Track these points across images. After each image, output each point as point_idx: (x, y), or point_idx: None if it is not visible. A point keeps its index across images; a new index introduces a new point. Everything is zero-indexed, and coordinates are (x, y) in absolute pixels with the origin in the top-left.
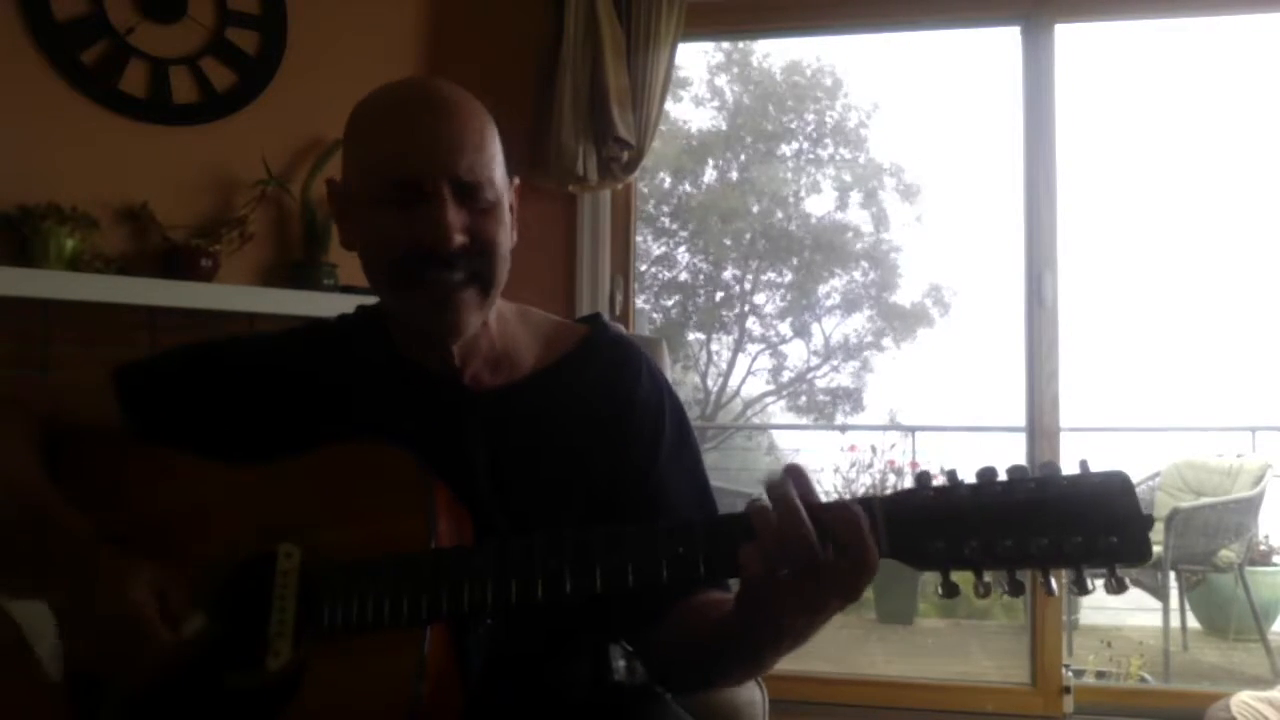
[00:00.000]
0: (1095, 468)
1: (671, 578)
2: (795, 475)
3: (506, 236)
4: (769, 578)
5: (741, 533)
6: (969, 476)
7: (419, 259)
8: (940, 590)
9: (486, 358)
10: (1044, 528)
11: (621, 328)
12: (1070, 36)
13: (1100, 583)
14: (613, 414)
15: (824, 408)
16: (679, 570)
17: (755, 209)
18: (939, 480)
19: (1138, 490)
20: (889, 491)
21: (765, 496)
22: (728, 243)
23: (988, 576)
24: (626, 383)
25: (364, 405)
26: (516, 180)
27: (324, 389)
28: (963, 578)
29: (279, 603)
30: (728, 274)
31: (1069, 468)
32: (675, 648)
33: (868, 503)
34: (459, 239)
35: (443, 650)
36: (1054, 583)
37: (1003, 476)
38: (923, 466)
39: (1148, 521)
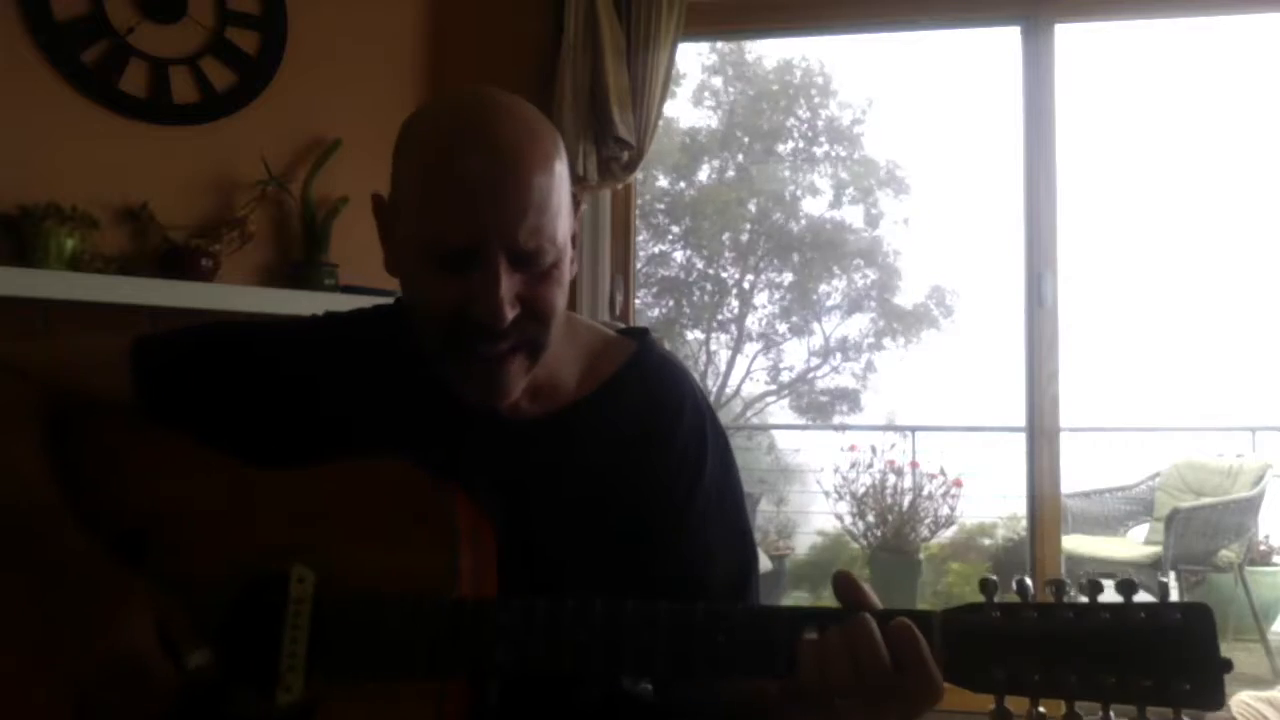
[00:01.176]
0: (1177, 598)
1: (706, 671)
2: (852, 587)
3: (564, 296)
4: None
5: (790, 637)
6: (1042, 589)
7: (466, 328)
8: (993, 716)
9: (529, 384)
10: (1113, 664)
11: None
12: (1070, 36)
13: None
14: (651, 449)
15: (824, 408)
16: (715, 665)
17: (752, 208)
18: (1005, 591)
19: (1138, 491)
20: (954, 606)
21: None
22: (725, 241)
23: (1043, 707)
24: (670, 413)
25: (390, 413)
26: (584, 206)
27: (352, 389)
28: (1016, 702)
29: (291, 633)
30: (726, 273)
31: (1149, 593)
32: (703, 693)
33: (926, 620)
34: (510, 313)
35: (460, 694)
36: (1114, 716)
37: (1076, 596)
38: (923, 467)
39: (1226, 666)
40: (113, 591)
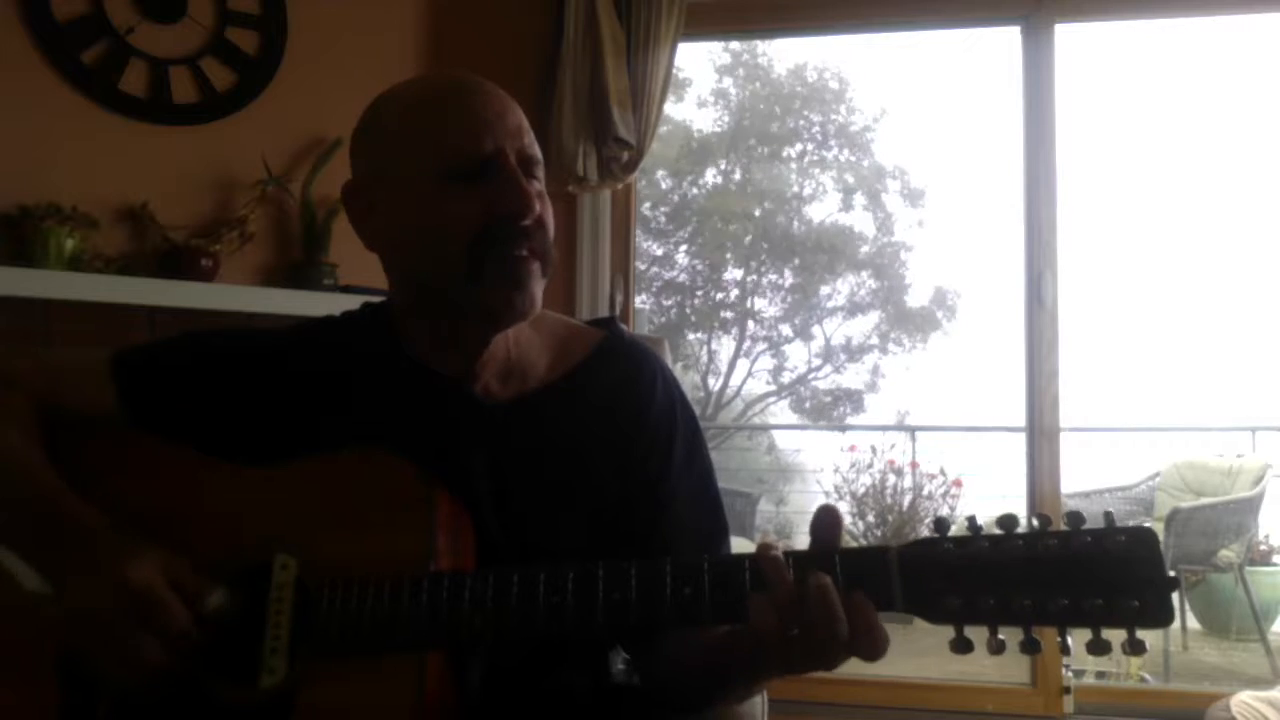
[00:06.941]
0: (1121, 522)
1: (676, 619)
2: (828, 525)
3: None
4: (782, 634)
5: (753, 579)
6: (989, 524)
7: (495, 235)
8: (953, 645)
9: (499, 367)
10: (1064, 587)
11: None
12: (1070, 36)
13: (1119, 643)
14: (623, 427)
15: (824, 408)
16: (684, 612)
17: (758, 211)
18: (959, 525)
19: (1138, 491)
20: (908, 540)
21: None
22: (729, 243)
23: (1002, 634)
24: (639, 394)
25: (366, 406)
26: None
27: (326, 388)
28: (976, 632)
29: (274, 617)
30: (729, 275)
31: (1095, 520)
32: (675, 663)
33: (883, 552)
34: (538, 207)
35: (440, 669)
36: (1071, 641)
37: (1025, 527)
38: (923, 467)
39: (1172, 584)
40: (123, 541)
